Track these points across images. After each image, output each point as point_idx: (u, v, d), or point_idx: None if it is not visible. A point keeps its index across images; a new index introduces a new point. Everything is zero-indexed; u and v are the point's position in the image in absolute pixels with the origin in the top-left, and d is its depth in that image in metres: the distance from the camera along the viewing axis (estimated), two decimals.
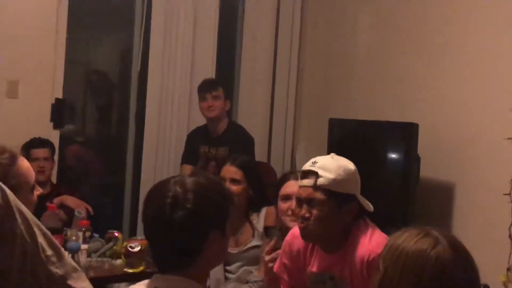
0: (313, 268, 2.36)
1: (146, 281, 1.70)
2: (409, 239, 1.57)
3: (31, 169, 2.17)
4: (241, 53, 5.07)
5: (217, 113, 4.26)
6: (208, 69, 4.78)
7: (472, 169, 3.77)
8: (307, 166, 2.27)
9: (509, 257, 3.40)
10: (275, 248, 2.52)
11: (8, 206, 1.09)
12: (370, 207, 2.31)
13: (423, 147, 3.81)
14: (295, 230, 2.42)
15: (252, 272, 3.24)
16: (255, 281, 3.17)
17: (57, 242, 1.17)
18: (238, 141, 4.26)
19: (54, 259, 1.14)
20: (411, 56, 4.25)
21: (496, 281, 3.31)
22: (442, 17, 4.04)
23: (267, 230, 2.76)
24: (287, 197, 2.87)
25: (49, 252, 1.13)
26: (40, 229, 1.14)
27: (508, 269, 2.56)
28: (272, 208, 3.24)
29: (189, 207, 1.61)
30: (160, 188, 1.68)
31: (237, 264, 3.31)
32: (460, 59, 3.90)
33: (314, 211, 2.22)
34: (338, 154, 2.36)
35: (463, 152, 3.82)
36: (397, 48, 4.36)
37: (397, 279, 1.53)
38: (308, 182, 2.23)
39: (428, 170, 3.89)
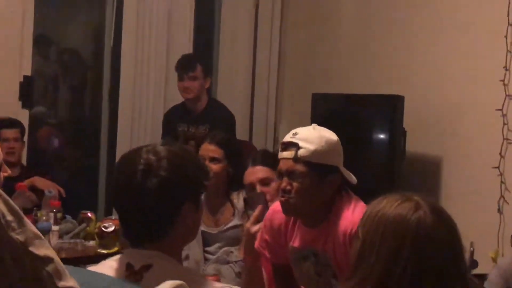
0: (295, 243, 2.37)
1: (117, 256, 1.70)
2: (388, 205, 1.58)
3: None
4: (220, 26, 5.05)
5: (194, 95, 4.25)
6: (185, 44, 4.76)
7: (460, 143, 3.80)
8: (287, 137, 2.27)
9: (498, 232, 3.44)
10: (261, 218, 2.51)
11: None
12: (353, 179, 2.31)
13: (409, 121, 3.84)
14: (275, 205, 2.42)
15: (232, 252, 3.26)
16: (236, 261, 3.19)
17: (18, 208, 1.16)
18: (219, 119, 4.26)
19: (14, 225, 1.13)
20: (396, 26, 4.26)
21: (485, 257, 3.35)
22: None
23: (250, 199, 2.73)
24: (252, 186, 2.89)
25: (9, 217, 1.12)
26: (1, 195, 1.13)
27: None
28: None
29: (163, 175, 1.59)
30: (131, 156, 1.66)
31: (217, 244, 3.32)
32: (448, 28, 3.92)
33: (295, 184, 2.22)
34: None
35: (451, 125, 3.85)
36: (382, 19, 4.37)
37: (377, 246, 1.54)
38: (288, 154, 2.23)
39: (415, 144, 3.91)
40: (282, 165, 2.26)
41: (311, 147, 2.21)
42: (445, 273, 1.52)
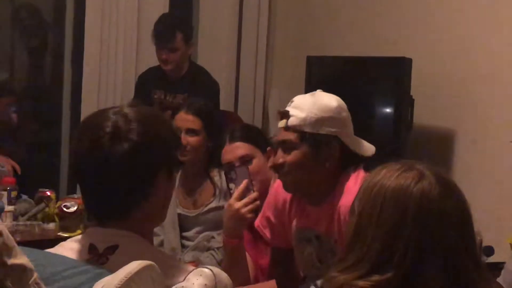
0: (298, 222, 2.41)
1: (78, 237, 1.70)
2: (388, 175, 1.58)
3: None
4: None
5: (173, 66, 4.28)
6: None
7: (475, 113, 3.82)
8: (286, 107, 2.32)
9: None
10: (245, 193, 2.53)
11: None
12: (364, 150, 2.33)
13: (417, 87, 3.85)
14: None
15: (214, 237, 3.27)
16: (218, 248, 3.20)
17: None
18: (200, 87, 4.27)
19: None
20: None
21: (502, 242, 3.38)
22: None
23: (232, 173, 2.74)
24: (230, 165, 2.90)
25: None
26: None
27: None
28: None
29: (134, 139, 1.59)
30: (96, 119, 1.65)
31: (196, 229, 3.33)
32: None
33: (288, 156, 2.26)
34: None
35: (466, 93, 3.87)
36: None
37: (374, 222, 1.55)
38: (281, 123, 2.28)
39: (423, 114, 3.93)
40: (275, 136, 2.35)
41: (302, 114, 2.24)
42: (453, 253, 1.53)
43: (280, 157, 2.28)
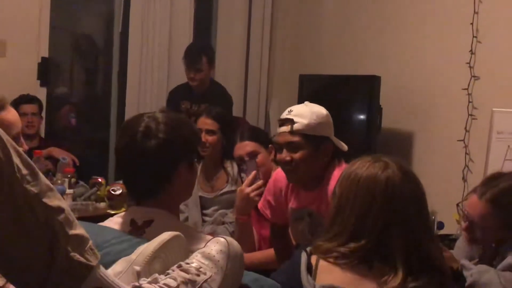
0: (293, 204, 2.41)
1: (122, 214, 1.71)
2: (361, 166, 1.59)
3: (16, 122, 2.11)
4: (217, 16, 5.01)
5: (198, 83, 4.25)
6: (185, 30, 4.74)
7: (430, 118, 3.81)
8: (284, 115, 2.30)
9: (462, 197, 3.46)
10: (254, 181, 2.53)
11: None
12: (344, 147, 2.35)
13: (384, 99, 3.84)
14: (279, 172, 2.45)
15: (227, 214, 3.27)
16: (230, 222, 3.20)
17: (32, 162, 1.15)
18: (218, 99, 4.25)
19: (29, 178, 1.12)
20: (374, 12, 4.24)
21: (450, 218, 3.37)
22: None
23: (243, 163, 2.74)
24: (241, 158, 2.90)
25: (24, 171, 1.11)
26: (16, 150, 1.12)
27: (457, 205, 2.60)
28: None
29: (161, 137, 1.59)
30: (134, 121, 1.66)
31: (213, 208, 3.32)
32: (420, 15, 3.91)
33: (295, 154, 2.26)
34: None
35: (422, 102, 3.86)
36: (361, 6, 4.35)
37: (351, 201, 1.56)
38: (285, 128, 2.27)
39: (389, 120, 3.92)
40: (280, 139, 2.30)
41: (304, 121, 2.24)
42: (411, 225, 1.54)
43: (287, 155, 2.27)
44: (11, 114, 2.10)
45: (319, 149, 2.26)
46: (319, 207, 2.30)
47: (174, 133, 1.62)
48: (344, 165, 2.29)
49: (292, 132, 2.25)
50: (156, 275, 1.28)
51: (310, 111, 2.26)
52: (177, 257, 1.35)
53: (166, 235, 1.37)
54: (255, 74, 5.07)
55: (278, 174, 2.45)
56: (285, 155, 2.27)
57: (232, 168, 3.29)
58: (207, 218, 3.32)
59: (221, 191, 3.30)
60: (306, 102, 2.34)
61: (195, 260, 1.33)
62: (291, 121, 2.25)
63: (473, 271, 1.82)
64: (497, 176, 1.98)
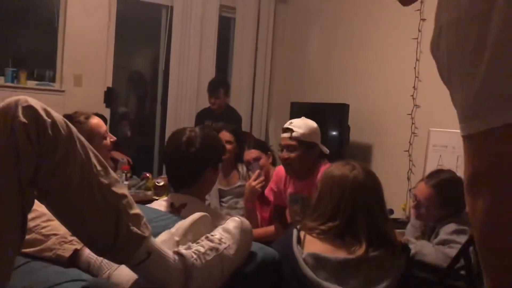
0: (291, 189, 2.41)
1: (165, 198, 1.72)
2: (336, 168, 1.59)
3: (102, 124, 2.10)
4: (233, 58, 5.01)
5: (217, 107, 4.26)
6: (209, 69, 4.74)
7: (384, 135, 3.79)
8: (287, 124, 2.33)
9: (407, 192, 3.46)
10: (258, 177, 2.54)
11: (71, 136, 1.07)
12: (327, 151, 2.37)
13: (352, 120, 3.83)
14: (280, 167, 2.47)
15: (238, 202, 3.25)
16: (241, 208, 3.19)
17: (105, 161, 1.16)
18: (232, 118, 4.26)
19: (102, 173, 1.12)
20: (346, 56, 4.22)
21: (398, 207, 3.37)
22: (365, 30, 4.04)
23: (251, 167, 2.74)
24: (248, 162, 2.89)
25: (99, 167, 1.12)
26: (93, 152, 1.13)
27: (409, 190, 2.58)
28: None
29: (198, 146, 1.61)
30: (179, 133, 1.68)
31: (229, 197, 3.31)
32: (377, 58, 3.89)
33: (292, 154, 2.27)
34: None
35: (378, 122, 3.84)
36: (336, 50, 4.34)
37: (329, 193, 1.56)
38: (286, 135, 2.29)
39: (355, 136, 3.91)
40: (283, 142, 2.32)
41: (300, 130, 2.27)
42: (372, 210, 1.53)
43: (286, 155, 2.29)
44: (96, 119, 2.10)
45: (308, 151, 2.28)
46: (310, 193, 2.28)
47: (207, 144, 1.64)
48: (327, 163, 2.31)
49: (291, 138, 2.27)
50: (190, 243, 1.28)
51: (305, 124, 2.29)
52: (204, 230, 1.35)
53: (196, 215, 1.37)
54: (259, 100, 5.06)
55: (280, 168, 2.47)
56: (285, 154, 2.29)
57: (242, 169, 3.29)
58: (223, 204, 3.31)
59: (234, 186, 3.28)
60: (303, 117, 2.37)
61: (218, 233, 1.33)
62: (291, 130, 2.28)
63: (416, 244, 1.82)
64: (439, 171, 2.00)
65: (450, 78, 0.92)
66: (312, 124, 2.33)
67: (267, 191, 2.55)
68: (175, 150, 1.64)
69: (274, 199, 2.54)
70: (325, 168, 2.17)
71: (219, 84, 4.34)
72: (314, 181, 2.25)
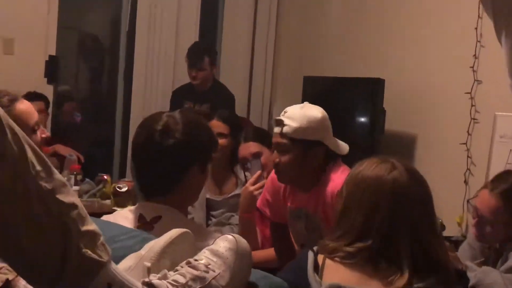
0: (292, 203, 2.40)
1: (131, 208, 1.72)
2: (368, 166, 1.58)
3: (32, 111, 2.08)
4: (223, 18, 5.02)
5: (200, 82, 4.26)
6: (191, 31, 4.75)
7: (432, 122, 3.79)
8: (280, 115, 2.28)
9: (464, 201, 3.46)
10: (258, 180, 2.53)
11: None
12: (342, 150, 2.31)
13: (388, 101, 3.82)
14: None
15: (233, 215, 3.25)
16: (236, 224, 3.19)
17: (47, 158, 1.15)
18: (221, 99, 4.25)
19: (43, 174, 1.11)
20: (377, 16, 4.22)
21: (452, 221, 3.37)
22: None
23: (247, 162, 2.74)
24: (245, 159, 2.89)
25: (38, 167, 1.11)
26: (31, 146, 1.11)
27: (468, 201, 2.59)
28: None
29: (178, 137, 1.61)
30: (153, 118, 1.67)
31: (222, 210, 3.31)
32: (425, 20, 3.89)
33: (283, 157, 2.24)
34: None
35: (425, 106, 3.84)
36: (365, 7, 4.33)
37: (358, 202, 1.55)
38: (277, 129, 2.26)
39: (393, 122, 3.90)
40: (273, 139, 2.29)
41: (294, 124, 2.21)
42: (417, 226, 1.53)
43: (276, 157, 2.26)
44: (25, 104, 2.08)
45: (307, 153, 2.23)
46: (315, 209, 2.29)
47: (192, 135, 1.64)
48: (341, 168, 2.28)
49: (281, 134, 2.22)
50: (166, 271, 1.27)
51: (303, 115, 2.22)
52: (185, 253, 1.34)
53: (174, 232, 1.36)
54: (259, 75, 5.07)
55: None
56: (275, 156, 2.27)
57: (239, 171, 3.28)
58: (213, 219, 3.30)
59: (230, 195, 3.28)
60: (305, 103, 2.32)
61: (204, 257, 1.32)
62: (282, 123, 2.23)
63: (477, 272, 1.82)
64: (508, 173, 1.99)
65: None
66: (315, 114, 2.25)
67: (259, 203, 2.52)
68: (146, 142, 1.63)
69: (270, 214, 2.52)
70: (337, 174, 2.17)
71: (203, 50, 4.33)
72: (322, 192, 2.24)
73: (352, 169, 1.66)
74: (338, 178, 2.21)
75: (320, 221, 2.28)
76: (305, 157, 2.24)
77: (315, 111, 2.26)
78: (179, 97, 4.39)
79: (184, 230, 1.39)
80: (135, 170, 1.70)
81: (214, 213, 3.30)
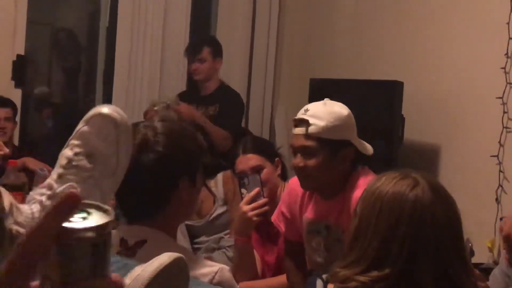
0: (310, 214, 2.42)
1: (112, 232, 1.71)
2: (387, 182, 1.58)
3: None
4: (218, 9, 5.03)
5: (203, 76, 4.30)
6: (181, 27, 4.75)
7: (459, 130, 3.79)
8: (299, 114, 2.32)
9: (495, 222, 3.44)
10: (256, 199, 2.52)
11: None
12: (367, 150, 2.37)
13: (407, 107, 3.83)
14: (294, 179, 2.47)
15: (223, 237, 3.23)
16: (230, 246, 3.17)
17: None
18: (229, 102, 4.29)
19: None
20: (395, 11, 4.25)
21: (482, 246, 3.36)
22: None
23: (244, 178, 2.72)
24: (242, 174, 2.89)
25: None
26: None
27: (501, 219, 2.58)
28: (228, 173, 3.22)
29: (160, 150, 1.61)
30: None
31: (205, 235, 3.28)
32: (448, 14, 3.90)
33: (309, 161, 2.27)
34: None
35: (450, 112, 3.84)
36: (380, 4, 4.35)
37: (373, 223, 1.54)
38: (299, 130, 2.28)
39: (413, 131, 3.90)
40: (295, 141, 2.32)
41: (321, 123, 2.25)
42: (442, 253, 1.52)
43: (301, 161, 2.29)
44: None
45: (336, 155, 2.28)
46: (339, 219, 2.31)
47: (175, 146, 1.64)
48: (369, 173, 2.33)
49: (307, 135, 2.26)
50: None
51: (329, 112, 2.28)
52: (178, 284, 1.34)
53: (166, 258, 1.33)
54: (259, 77, 5.08)
55: (293, 181, 2.47)
56: (299, 160, 2.29)
57: (216, 188, 3.27)
58: (200, 246, 3.27)
59: (211, 217, 3.25)
60: (326, 100, 2.36)
61: None
62: (306, 123, 2.26)
63: None
64: None
65: None
66: (341, 110, 2.32)
67: (275, 217, 2.55)
68: None
69: (285, 230, 2.53)
70: (367, 181, 2.18)
71: (202, 41, 4.40)
72: (348, 199, 2.27)
73: (369, 183, 1.66)
74: (365, 184, 2.22)
75: (341, 233, 2.30)
76: (335, 159, 2.28)
77: (340, 108, 2.33)
78: (183, 100, 4.43)
79: (177, 255, 1.38)
80: (117, 197, 1.69)
81: (198, 240, 3.28)
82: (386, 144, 3.82)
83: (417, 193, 1.53)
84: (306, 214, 2.43)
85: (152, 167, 1.61)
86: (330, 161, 2.27)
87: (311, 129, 2.24)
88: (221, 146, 3.94)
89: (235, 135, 3.87)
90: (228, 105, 4.23)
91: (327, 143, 2.25)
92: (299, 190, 2.44)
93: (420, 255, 1.51)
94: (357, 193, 2.21)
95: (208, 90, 4.34)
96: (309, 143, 2.26)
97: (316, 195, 2.41)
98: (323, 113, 2.27)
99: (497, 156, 3.52)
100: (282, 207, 2.54)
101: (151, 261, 1.35)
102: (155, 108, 3.82)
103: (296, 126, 2.30)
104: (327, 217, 2.35)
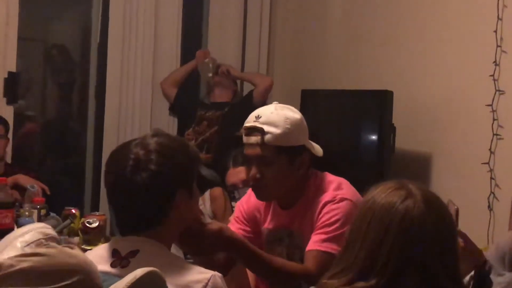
0: (270, 225, 2.36)
1: (105, 245, 1.74)
2: (381, 192, 1.54)
3: None
4: (208, 22, 5.03)
5: None
6: (172, 42, 4.76)
7: (449, 139, 3.80)
8: (250, 121, 2.20)
9: (488, 229, 3.43)
10: None
11: None
12: (319, 151, 2.29)
13: (398, 116, 3.83)
14: (250, 190, 2.40)
15: None
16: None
17: None
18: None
19: None
20: (385, 21, 4.26)
21: None
22: None
23: (235, 191, 2.71)
24: (234, 187, 2.86)
25: None
26: None
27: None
28: (217, 190, 3.19)
29: (152, 169, 1.63)
30: (120, 152, 1.70)
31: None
32: (437, 23, 3.92)
33: (266, 171, 2.19)
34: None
35: (440, 121, 3.85)
36: (369, 14, 4.37)
37: (363, 234, 1.52)
38: (254, 140, 2.18)
39: (404, 140, 3.91)
40: (249, 151, 2.21)
41: (277, 130, 2.16)
42: (429, 267, 1.47)
43: (257, 172, 2.20)
44: None
45: (294, 162, 2.21)
46: (301, 225, 2.26)
47: (168, 161, 1.66)
48: (327, 174, 2.28)
49: (263, 145, 2.16)
50: None
51: (283, 118, 2.17)
52: None
53: (139, 271, 1.37)
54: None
55: (252, 194, 2.37)
56: (254, 171, 2.20)
57: (204, 205, 3.25)
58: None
59: None
60: (275, 104, 2.27)
61: None
62: (260, 131, 2.16)
63: (505, 277, 1.78)
64: None
65: None
66: (294, 115, 2.21)
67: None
68: (118, 182, 1.66)
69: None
70: (331, 184, 2.15)
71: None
72: (309, 206, 2.21)
73: (366, 193, 1.62)
74: (337, 189, 2.22)
75: (302, 240, 2.24)
76: (292, 166, 2.21)
77: (293, 112, 2.23)
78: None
79: (150, 269, 1.40)
80: (114, 214, 1.72)
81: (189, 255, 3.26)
82: (378, 154, 3.82)
83: (408, 204, 1.49)
84: (266, 225, 2.36)
85: (147, 185, 1.62)
86: (288, 169, 2.20)
87: (268, 137, 2.14)
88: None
89: (229, 146, 3.84)
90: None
91: (284, 151, 2.17)
92: (259, 203, 2.36)
93: (407, 269, 1.47)
94: (325, 197, 2.20)
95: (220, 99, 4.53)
96: (265, 152, 2.16)
97: (274, 205, 2.34)
98: (277, 119, 2.16)
99: (488, 163, 3.53)
100: (239, 225, 2.41)
101: (126, 276, 1.36)
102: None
103: (248, 134, 2.19)
104: (289, 224, 2.29)
